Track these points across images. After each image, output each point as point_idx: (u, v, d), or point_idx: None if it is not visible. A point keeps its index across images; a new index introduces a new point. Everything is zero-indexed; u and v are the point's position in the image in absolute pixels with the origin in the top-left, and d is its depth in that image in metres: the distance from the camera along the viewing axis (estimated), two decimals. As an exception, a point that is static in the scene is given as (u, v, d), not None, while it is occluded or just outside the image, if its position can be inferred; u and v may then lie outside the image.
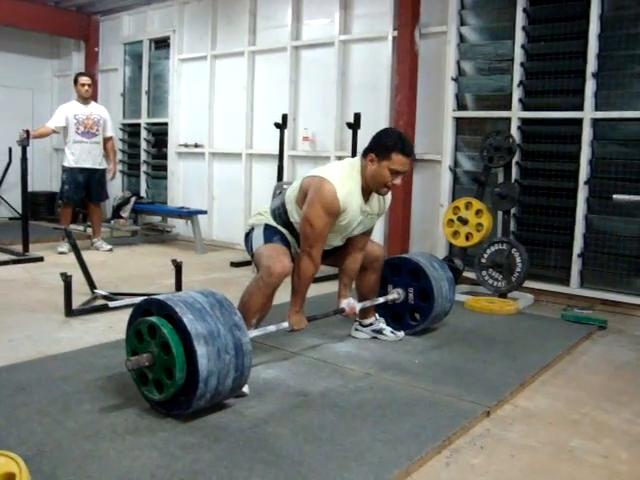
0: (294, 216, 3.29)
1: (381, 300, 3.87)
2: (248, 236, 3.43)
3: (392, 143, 3.17)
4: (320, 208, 3.11)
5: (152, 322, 2.49)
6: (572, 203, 5.11)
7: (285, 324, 3.25)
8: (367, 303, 3.75)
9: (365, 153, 3.26)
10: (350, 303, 3.57)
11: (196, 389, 2.41)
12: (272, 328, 3.17)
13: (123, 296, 4.58)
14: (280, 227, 3.34)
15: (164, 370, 2.48)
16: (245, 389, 2.81)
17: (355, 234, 3.44)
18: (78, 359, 3.31)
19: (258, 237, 3.31)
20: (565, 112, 5.13)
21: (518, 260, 4.90)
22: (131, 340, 2.62)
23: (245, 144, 7.35)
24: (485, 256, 5.07)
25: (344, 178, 3.20)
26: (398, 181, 3.23)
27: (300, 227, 3.22)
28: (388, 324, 3.92)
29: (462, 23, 5.71)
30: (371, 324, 3.85)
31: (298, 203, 3.26)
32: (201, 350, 2.40)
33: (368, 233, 3.57)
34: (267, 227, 3.34)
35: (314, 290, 5.12)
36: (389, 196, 3.53)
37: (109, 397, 2.77)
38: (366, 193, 3.31)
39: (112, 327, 3.94)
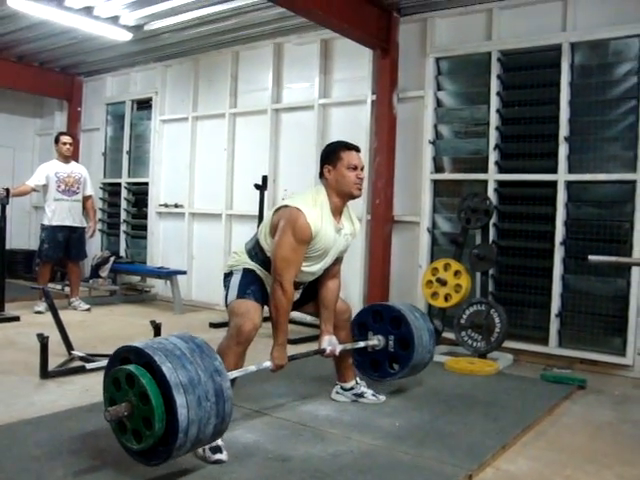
0: (269, 250, 3.29)
1: (361, 344, 3.84)
2: (226, 279, 3.39)
3: (335, 146, 3.41)
4: (291, 235, 3.14)
5: (130, 371, 2.43)
6: (549, 263, 5.18)
7: (267, 363, 3.20)
8: (348, 345, 3.72)
9: (321, 173, 3.39)
10: (332, 342, 3.53)
11: (176, 439, 2.35)
12: (253, 368, 3.12)
13: (101, 357, 4.50)
14: (257, 267, 3.32)
15: (143, 420, 2.41)
16: (224, 455, 2.77)
17: (333, 259, 3.46)
18: (53, 423, 3.24)
19: (233, 287, 3.28)
20: (540, 175, 5.26)
21: (497, 320, 4.93)
22: (109, 388, 2.55)
23: (225, 205, 7.39)
24: (464, 317, 5.10)
25: (312, 203, 3.25)
26: (362, 174, 3.36)
27: (272, 255, 3.23)
28: (367, 371, 3.91)
29: (439, 88, 5.88)
30: (352, 388, 3.81)
31: (271, 234, 3.27)
32: (180, 400, 2.34)
33: (339, 260, 3.57)
34: (244, 274, 3.30)
35: (291, 352, 5.10)
36: (357, 222, 3.62)
37: (84, 463, 2.70)
38: (337, 213, 3.37)
39: (88, 390, 3.86)
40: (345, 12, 5.41)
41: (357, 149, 3.42)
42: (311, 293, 3.58)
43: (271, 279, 3.22)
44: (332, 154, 3.35)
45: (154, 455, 2.46)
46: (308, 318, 3.75)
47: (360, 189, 3.37)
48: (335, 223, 3.34)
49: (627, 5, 4.90)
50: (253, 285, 3.28)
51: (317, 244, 3.26)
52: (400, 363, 3.89)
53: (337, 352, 3.56)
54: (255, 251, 3.36)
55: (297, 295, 3.46)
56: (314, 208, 3.23)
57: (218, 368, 2.55)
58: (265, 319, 3.24)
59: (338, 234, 3.36)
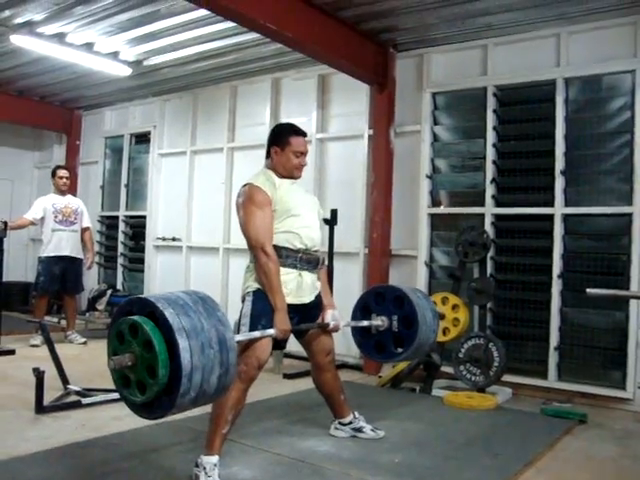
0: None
1: (365, 323, 3.79)
2: (242, 305, 3.32)
3: (286, 130, 3.49)
4: (250, 205, 3.21)
5: (133, 321, 2.38)
6: (547, 296, 5.18)
7: (271, 331, 3.11)
8: (352, 323, 3.74)
9: (267, 153, 3.46)
10: (335, 317, 3.51)
11: (179, 385, 2.29)
12: (257, 334, 3.06)
13: (97, 392, 4.47)
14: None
15: (147, 369, 2.35)
16: (222, 491, 2.73)
17: (314, 209, 3.51)
18: (47, 460, 3.20)
19: (245, 317, 3.21)
20: (537, 208, 5.29)
21: (495, 354, 4.90)
22: (112, 342, 2.49)
23: (223, 238, 7.40)
24: (462, 351, 5.07)
25: (256, 175, 3.38)
26: (304, 161, 3.46)
27: (243, 233, 3.26)
28: (371, 354, 3.89)
29: (435, 122, 5.95)
30: (350, 422, 3.77)
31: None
32: (183, 343, 2.30)
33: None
34: (255, 299, 3.22)
35: (289, 387, 5.08)
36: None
37: (79, 501, 2.67)
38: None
39: (85, 425, 3.82)
40: (342, 48, 5.50)
41: (305, 134, 3.53)
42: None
43: (252, 252, 3.23)
44: (281, 137, 3.44)
45: (158, 406, 2.39)
46: (304, 353, 3.74)
47: (301, 172, 3.49)
48: (288, 181, 3.41)
49: (619, 41, 4.99)
50: (264, 318, 3.17)
51: (284, 197, 3.30)
52: (405, 343, 3.78)
53: (341, 327, 3.55)
54: (253, 260, 3.32)
55: (317, 283, 3.46)
56: (258, 177, 3.35)
57: (221, 319, 2.50)
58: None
59: (297, 187, 3.45)
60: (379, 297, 3.90)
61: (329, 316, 3.50)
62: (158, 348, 2.31)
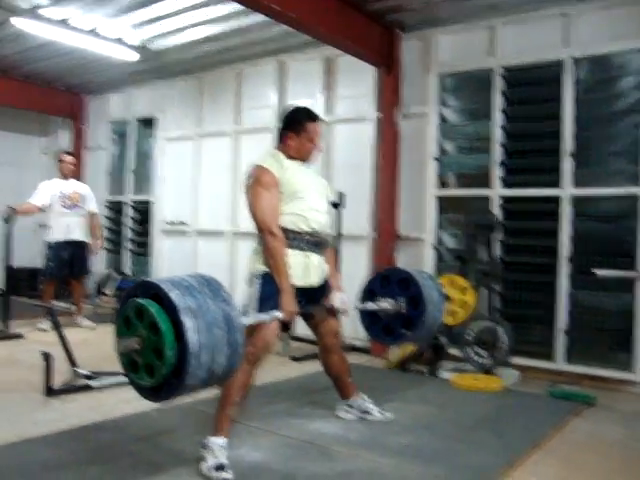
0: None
1: (373, 306, 3.78)
2: (249, 286, 3.30)
3: (303, 115, 3.44)
4: (257, 186, 3.21)
5: (138, 304, 2.39)
6: (555, 279, 5.15)
7: (277, 313, 3.10)
8: (359, 305, 3.74)
9: (281, 137, 3.43)
10: (343, 299, 3.51)
11: (187, 365, 2.29)
12: (265, 316, 3.05)
13: (105, 375, 4.48)
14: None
15: (154, 352, 2.35)
16: (229, 474, 2.73)
17: (322, 192, 3.50)
18: (56, 442, 3.22)
19: (252, 300, 3.20)
20: (545, 189, 5.25)
21: (503, 336, 4.89)
22: (120, 327, 2.50)
23: (230, 222, 7.40)
24: (470, 333, 5.06)
25: (264, 156, 3.37)
26: (320, 145, 3.47)
27: (250, 213, 3.25)
28: (380, 337, 3.89)
29: (443, 104, 5.90)
30: (358, 405, 3.78)
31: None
32: (190, 323, 2.29)
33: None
34: (264, 282, 3.20)
35: (296, 370, 5.09)
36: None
37: (89, 483, 2.68)
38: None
39: (93, 408, 3.84)
40: (348, 29, 5.45)
41: (319, 119, 3.49)
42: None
43: (259, 233, 3.23)
44: (297, 123, 3.39)
45: (167, 389, 2.39)
46: (312, 336, 3.73)
47: (314, 157, 3.50)
48: (295, 163, 3.39)
49: (629, 19, 4.92)
50: (272, 300, 3.15)
51: (291, 179, 3.28)
52: (413, 324, 3.77)
53: (348, 309, 3.56)
54: (259, 241, 3.31)
55: (324, 265, 3.45)
56: (267, 158, 3.33)
57: (226, 299, 2.50)
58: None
59: (306, 169, 3.43)
60: (384, 280, 3.90)
61: (337, 299, 3.49)
62: (164, 329, 2.30)
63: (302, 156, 3.40)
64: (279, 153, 3.38)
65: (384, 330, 3.89)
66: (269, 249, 3.17)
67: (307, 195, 3.35)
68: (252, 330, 3.07)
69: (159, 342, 2.32)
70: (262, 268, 3.23)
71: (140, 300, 2.41)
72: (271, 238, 3.16)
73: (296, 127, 3.38)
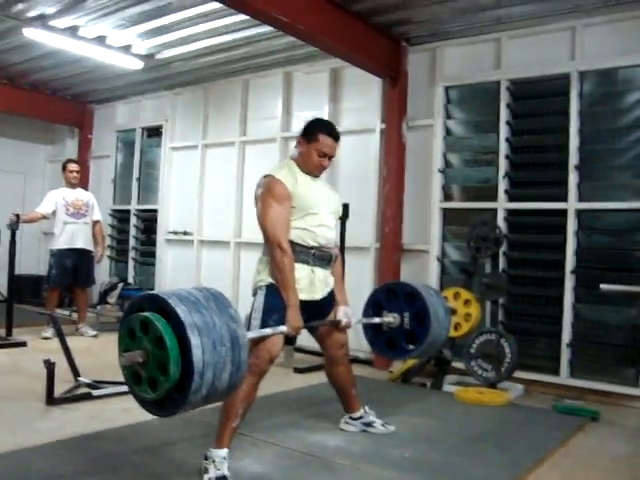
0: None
1: (377, 320, 3.77)
2: (253, 300, 3.29)
3: (319, 126, 3.37)
4: (269, 197, 3.16)
5: (144, 317, 2.36)
6: (560, 292, 5.13)
7: (282, 328, 3.09)
8: (363, 320, 3.71)
9: (297, 142, 3.40)
10: (348, 314, 3.48)
11: (191, 382, 2.27)
12: (268, 331, 3.04)
13: (107, 384, 4.47)
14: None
15: (158, 366, 2.33)
16: (231, 485, 2.72)
17: (333, 209, 3.46)
18: (57, 451, 3.20)
19: (257, 311, 3.19)
20: (550, 203, 5.24)
21: (507, 350, 4.86)
22: (123, 339, 2.48)
23: (234, 232, 7.39)
24: (474, 346, 5.04)
25: (279, 168, 3.33)
26: (326, 163, 3.37)
27: (260, 225, 3.21)
28: (383, 351, 3.86)
29: (448, 117, 5.90)
30: (361, 417, 3.75)
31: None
32: (195, 340, 2.28)
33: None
34: (268, 293, 3.20)
35: (299, 382, 5.07)
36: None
37: (89, 493, 2.67)
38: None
39: (94, 417, 3.83)
40: (355, 41, 5.47)
41: (337, 137, 3.41)
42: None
43: (267, 246, 3.20)
44: (311, 132, 3.34)
45: (170, 403, 2.38)
46: (316, 346, 3.72)
47: (320, 172, 3.42)
48: (310, 177, 3.35)
49: (636, 33, 4.92)
50: (276, 313, 3.15)
51: (304, 194, 3.25)
52: (417, 340, 3.76)
53: (352, 324, 3.54)
54: (265, 251, 3.30)
55: (329, 279, 3.43)
56: (281, 169, 3.30)
57: (233, 316, 2.48)
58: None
59: (319, 183, 3.40)
60: (391, 293, 3.88)
61: (341, 313, 3.48)
62: (170, 345, 2.29)
63: (308, 167, 3.34)
64: (294, 165, 3.35)
65: (387, 344, 3.87)
66: (277, 263, 3.14)
67: (319, 211, 3.32)
68: (256, 342, 3.06)
69: (164, 357, 2.31)
70: (268, 280, 3.21)
71: (147, 313, 2.40)
72: (280, 252, 3.13)
73: (309, 135, 3.34)
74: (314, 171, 3.37)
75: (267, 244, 3.20)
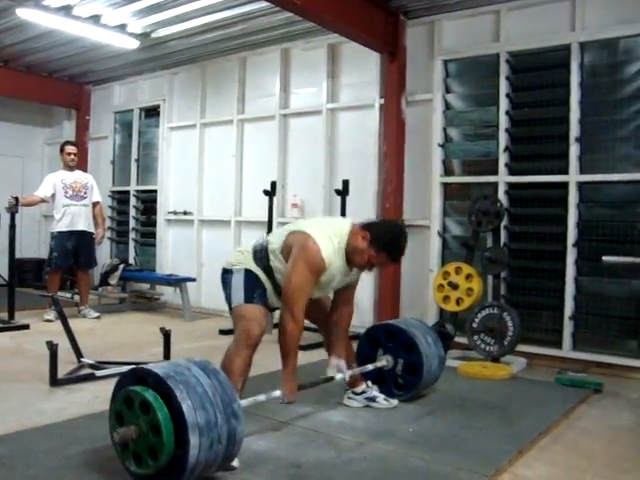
0: (275, 264, 3.27)
1: (370, 367, 3.80)
2: (225, 278, 3.35)
3: (388, 245, 3.25)
4: (304, 266, 3.10)
5: (148, 401, 2.36)
6: (561, 265, 5.12)
7: (277, 393, 3.15)
8: (356, 370, 3.69)
9: (364, 227, 3.27)
10: (341, 368, 3.49)
11: (181, 477, 2.33)
12: (262, 397, 3.08)
13: (110, 365, 4.49)
14: (260, 272, 3.28)
15: (148, 449, 2.37)
16: (235, 462, 2.72)
17: (338, 287, 3.44)
18: (62, 431, 3.21)
19: (238, 289, 3.25)
20: (551, 176, 5.21)
21: (510, 324, 4.86)
22: (119, 403, 2.49)
23: (234, 211, 7.37)
24: (476, 321, 5.04)
25: (329, 238, 3.19)
26: (372, 270, 3.37)
27: (283, 284, 3.19)
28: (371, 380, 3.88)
29: (447, 91, 5.85)
30: (364, 392, 3.77)
31: (282, 253, 3.24)
32: (194, 441, 2.30)
33: (353, 286, 3.54)
34: (247, 275, 3.27)
35: (303, 358, 5.06)
36: None
37: (93, 472, 2.67)
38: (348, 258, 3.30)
39: (98, 397, 3.83)
40: (352, 16, 5.40)
41: (396, 261, 3.40)
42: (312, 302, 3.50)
43: (281, 306, 3.19)
44: (378, 243, 3.21)
45: None
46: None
47: (363, 270, 3.39)
48: (345, 266, 3.28)
49: (636, 2, 4.86)
50: (258, 289, 3.26)
51: (330, 275, 3.23)
52: (405, 387, 3.88)
53: (347, 378, 3.55)
54: (260, 255, 3.31)
55: None
56: (330, 241, 3.18)
57: (236, 411, 2.50)
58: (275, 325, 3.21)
59: (346, 269, 3.32)
60: (389, 335, 3.94)
61: (334, 369, 3.50)
62: (166, 439, 2.32)
63: (354, 262, 3.27)
64: (343, 247, 3.24)
65: (377, 379, 3.91)
66: (284, 327, 3.13)
67: (321, 289, 3.33)
68: (238, 317, 3.20)
69: (158, 446, 2.34)
70: (252, 265, 3.29)
71: (150, 396, 2.38)
72: (292, 322, 3.11)
73: (376, 242, 3.21)
74: (355, 267, 3.33)
75: (283, 300, 3.17)
